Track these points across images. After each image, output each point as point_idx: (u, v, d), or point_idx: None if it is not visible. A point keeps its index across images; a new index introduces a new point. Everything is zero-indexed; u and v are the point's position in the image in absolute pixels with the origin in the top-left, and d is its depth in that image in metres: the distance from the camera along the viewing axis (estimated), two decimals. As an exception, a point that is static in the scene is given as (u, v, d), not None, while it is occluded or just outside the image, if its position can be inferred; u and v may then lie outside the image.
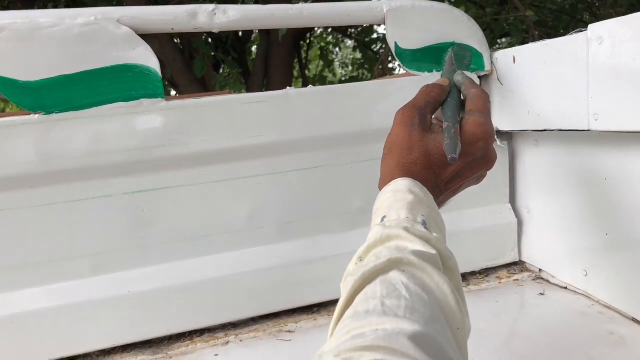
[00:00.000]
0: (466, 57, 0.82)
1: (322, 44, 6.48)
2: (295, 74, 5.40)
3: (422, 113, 0.63)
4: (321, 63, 6.32)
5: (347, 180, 1.01)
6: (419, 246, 0.50)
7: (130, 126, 0.87)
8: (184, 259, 0.94)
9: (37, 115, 0.83)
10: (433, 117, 0.66)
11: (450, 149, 0.58)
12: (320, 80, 5.77)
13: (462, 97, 0.70)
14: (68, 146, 0.85)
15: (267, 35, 4.42)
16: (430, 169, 0.61)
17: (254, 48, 6.09)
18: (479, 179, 0.68)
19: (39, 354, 0.88)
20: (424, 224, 0.53)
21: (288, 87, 0.96)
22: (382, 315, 0.41)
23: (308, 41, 5.58)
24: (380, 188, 0.62)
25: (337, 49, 7.32)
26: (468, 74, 0.82)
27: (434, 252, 0.50)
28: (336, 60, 8.07)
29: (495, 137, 1.07)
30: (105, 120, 0.86)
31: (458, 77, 0.72)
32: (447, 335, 0.43)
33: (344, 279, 0.53)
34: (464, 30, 1.03)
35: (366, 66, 6.15)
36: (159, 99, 0.88)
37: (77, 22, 0.84)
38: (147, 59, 0.87)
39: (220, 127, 0.92)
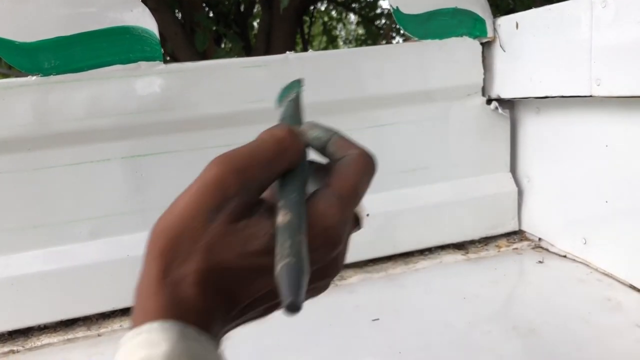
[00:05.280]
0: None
1: (325, 20, 6.43)
2: (298, 50, 5.36)
3: (245, 187, 0.34)
4: (324, 39, 6.28)
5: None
6: None
7: (128, 89, 0.87)
8: (183, 224, 0.94)
9: (34, 77, 0.83)
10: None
11: (288, 290, 0.29)
12: (323, 55, 5.71)
13: (318, 163, 0.41)
14: (66, 109, 0.84)
15: (269, 9, 4.37)
16: (221, 291, 0.33)
17: (255, 23, 6.04)
18: (316, 291, 0.40)
19: (39, 317, 0.88)
20: None
21: (288, 52, 0.95)
22: None
23: (311, 16, 5.53)
24: (133, 323, 0.31)
25: (341, 25, 7.26)
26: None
27: None
28: (339, 36, 8.00)
29: (497, 104, 1.06)
30: (103, 83, 0.86)
31: (316, 132, 0.39)
32: None
33: None
34: (467, -5, 1.02)
35: (369, 42, 6.11)
36: (157, 62, 0.88)
37: (74, -18, 0.83)
38: (145, 20, 0.86)
39: (219, 91, 0.91)
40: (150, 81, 0.87)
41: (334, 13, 6.69)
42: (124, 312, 0.92)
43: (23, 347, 0.85)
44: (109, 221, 0.90)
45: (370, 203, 1.02)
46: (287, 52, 0.95)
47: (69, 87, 0.84)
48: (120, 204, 0.91)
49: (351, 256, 1.05)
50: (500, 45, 1.02)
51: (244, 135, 0.95)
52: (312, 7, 5.16)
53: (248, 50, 5.04)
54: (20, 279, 0.86)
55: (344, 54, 0.98)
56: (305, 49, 5.23)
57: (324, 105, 0.98)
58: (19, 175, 0.85)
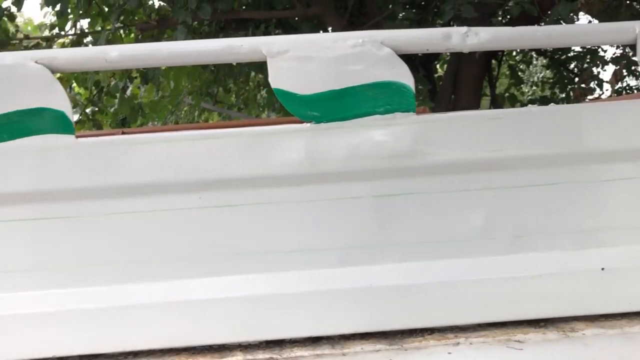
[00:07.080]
0: None
1: (512, 62, 6.30)
2: (484, 92, 5.32)
3: None
4: (510, 81, 6.15)
5: (580, 198, 1.02)
6: None
7: (383, 136, 0.98)
8: (419, 260, 1.01)
9: (308, 124, 0.97)
10: None
11: None
12: (510, 98, 5.61)
13: None
14: (330, 152, 0.98)
15: (459, 53, 4.42)
16: None
17: (438, 66, 6.14)
18: None
19: (290, 331, 1.01)
20: None
21: (530, 105, 1.00)
22: None
23: (500, 59, 5.47)
24: None
25: (527, 67, 7.05)
26: None
27: None
28: (524, 79, 7.77)
29: None
30: (363, 131, 0.97)
31: None
32: None
33: None
34: None
35: (558, 85, 5.85)
36: (411, 113, 0.97)
37: (347, 44, 0.96)
38: (404, 77, 0.96)
39: (463, 140, 0.98)
40: (403, 130, 0.97)
41: (519, 57, 6.55)
42: (363, 336, 1.01)
43: (280, 355, 0.98)
44: (355, 251, 1.01)
45: (606, 257, 1.02)
46: (529, 106, 1.00)
47: (335, 133, 0.97)
48: (367, 236, 1.01)
49: (581, 309, 1.04)
50: None
51: (482, 182, 1.01)
52: (501, 51, 5.11)
53: (433, 92, 5.12)
54: (279, 296, 1.00)
55: (587, 108, 1.01)
56: (492, 91, 5.18)
57: (562, 156, 1.01)
58: (286, 206, 1.00)
